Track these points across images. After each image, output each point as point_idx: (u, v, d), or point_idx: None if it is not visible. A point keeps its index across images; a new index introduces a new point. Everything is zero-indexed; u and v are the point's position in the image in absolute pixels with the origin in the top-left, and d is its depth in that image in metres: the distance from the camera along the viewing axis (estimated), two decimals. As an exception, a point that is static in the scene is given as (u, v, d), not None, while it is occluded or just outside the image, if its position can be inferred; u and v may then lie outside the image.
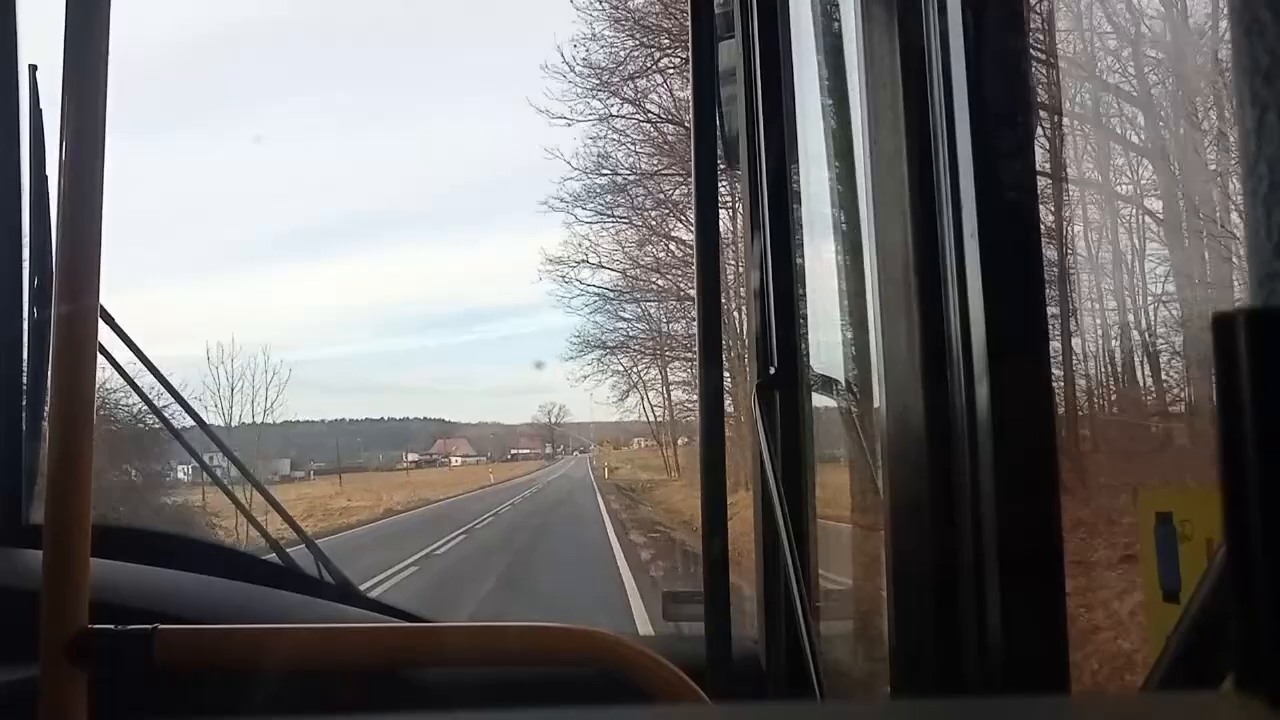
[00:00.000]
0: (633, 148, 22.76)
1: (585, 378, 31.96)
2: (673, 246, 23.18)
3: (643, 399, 35.75)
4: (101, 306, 1.26)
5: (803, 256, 2.05)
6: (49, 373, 1.22)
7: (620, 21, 19.74)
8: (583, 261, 26.40)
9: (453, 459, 78.62)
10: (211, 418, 22.35)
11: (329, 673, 1.42)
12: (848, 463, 2.00)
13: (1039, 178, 1.09)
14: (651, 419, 38.18)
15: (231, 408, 29.10)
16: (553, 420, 79.94)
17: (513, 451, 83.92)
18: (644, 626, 8.82)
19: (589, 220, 24.91)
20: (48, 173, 2.16)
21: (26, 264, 2.20)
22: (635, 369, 32.60)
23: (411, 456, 77.25)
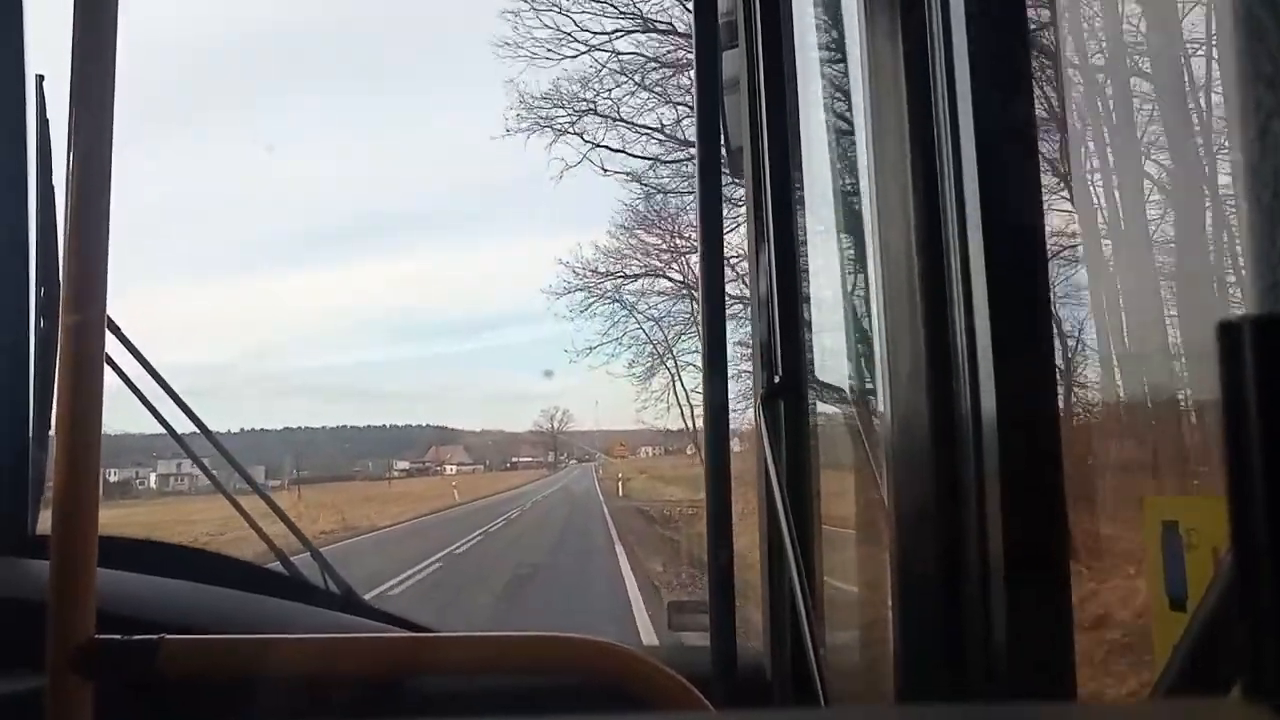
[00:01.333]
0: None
1: (591, 350, 21.54)
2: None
3: (674, 379, 22.53)
4: (109, 317, 1.27)
5: (807, 266, 2.05)
6: (55, 384, 1.22)
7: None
8: (589, 110, 17.19)
9: (447, 467, 75.64)
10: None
11: (335, 682, 1.42)
12: (853, 471, 2.00)
13: (1044, 185, 1.09)
14: (685, 404, 23.18)
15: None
16: (555, 426, 75.96)
17: (513, 459, 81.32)
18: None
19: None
20: (54, 183, 2.17)
21: (33, 275, 2.20)
22: (663, 332, 21.23)
23: (401, 465, 74.40)
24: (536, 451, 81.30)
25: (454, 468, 75.93)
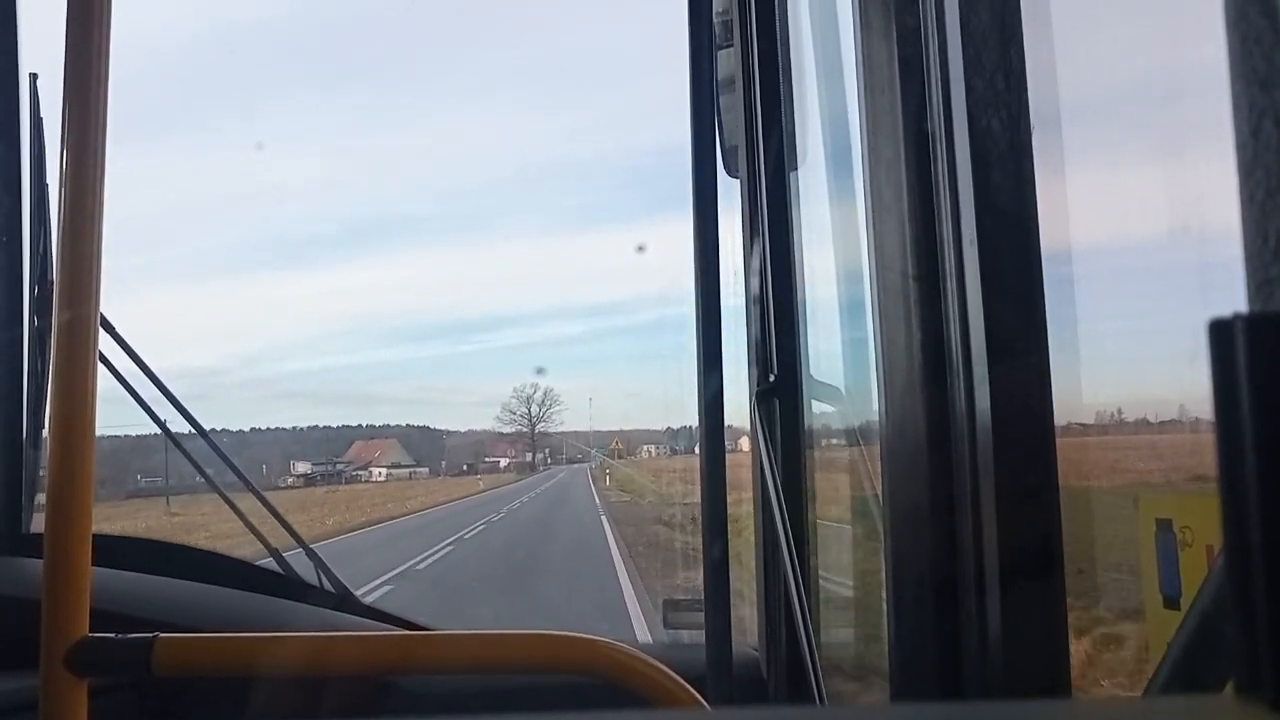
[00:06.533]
0: None
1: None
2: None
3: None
4: (102, 315, 1.26)
5: (802, 264, 2.05)
6: (49, 381, 1.22)
7: None
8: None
9: (373, 470, 56.91)
10: None
11: (328, 680, 1.42)
12: (847, 469, 2.00)
13: (1037, 183, 1.09)
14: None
15: None
16: (535, 412, 59.75)
17: (468, 462, 64.34)
18: None
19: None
20: (48, 181, 2.17)
21: (27, 272, 2.20)
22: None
23: (301, 468, 54.18)
24: (517, 449, 65.53)
25: (383, 471, 56.41)
